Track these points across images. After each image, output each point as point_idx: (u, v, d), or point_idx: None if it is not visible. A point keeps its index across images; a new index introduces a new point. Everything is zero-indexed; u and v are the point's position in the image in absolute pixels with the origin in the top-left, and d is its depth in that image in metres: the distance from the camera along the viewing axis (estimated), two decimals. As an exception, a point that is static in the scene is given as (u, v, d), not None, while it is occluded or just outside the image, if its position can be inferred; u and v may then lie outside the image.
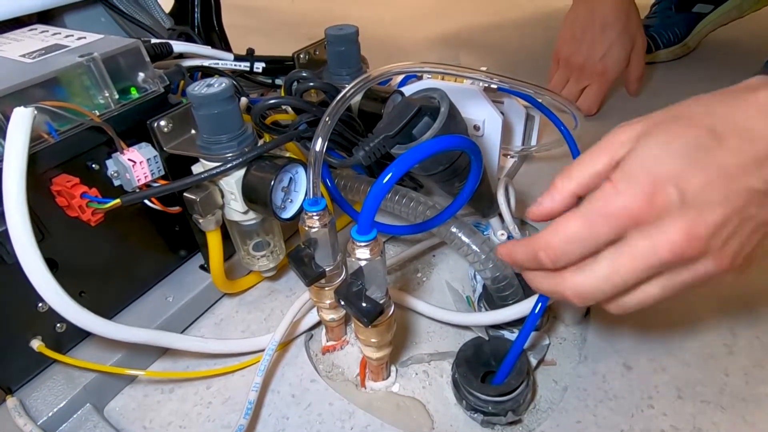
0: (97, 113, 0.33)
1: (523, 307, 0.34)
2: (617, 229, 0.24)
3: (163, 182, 0.35)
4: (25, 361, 0.34)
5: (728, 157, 0.23)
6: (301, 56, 0.46)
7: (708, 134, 0.24)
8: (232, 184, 0.34)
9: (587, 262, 0.25)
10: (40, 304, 0.33)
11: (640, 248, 0.23)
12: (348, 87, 0.31)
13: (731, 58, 0.81)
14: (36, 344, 0.34)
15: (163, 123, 0.34)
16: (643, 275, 0.24)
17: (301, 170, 0.35)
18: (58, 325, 0.35)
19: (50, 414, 0.33)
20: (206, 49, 0.48)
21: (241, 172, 0.34)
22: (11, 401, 0.33)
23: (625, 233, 0.24)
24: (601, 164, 0.26)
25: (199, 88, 0.31)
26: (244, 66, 0.51)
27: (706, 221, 0.23)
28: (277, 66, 0.54)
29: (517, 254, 0.28)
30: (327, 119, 0.30)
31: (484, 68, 0.40)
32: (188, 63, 0.47)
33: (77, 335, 0.37)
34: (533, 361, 0.36)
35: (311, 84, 0.37)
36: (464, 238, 0.36)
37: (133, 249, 0.39)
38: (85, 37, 0.36)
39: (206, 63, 0.48)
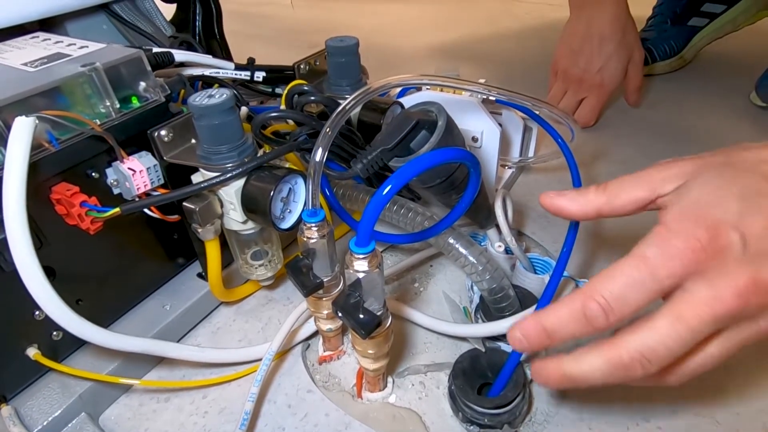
0: (98, 122, 0.33)
1: (520, 319, 0.34)
2: (677, 272, 0.22)
3: (162, 191, 0.35)
4: (21, 369, 0.34)
5: None
6: (302, 66, 0.47)
7: (764, 180, 0.22)
8: (231, 194, 0.34)
9: (643, 321, 0.23)
10: (36, 312, 0.33)
11: (703, 296, 0.21)
12: (348, 99, 0.31)
13: (727, 70, 0.82)
14: (32, 352, 0.34)
15: (163, 132, 0.34)
16: (708, 327, 0.22)
17: (300, 181, 0.36)
18: (55, 333, 0.35)
19: (45, 423, 0.33)
20: (207, 59, 0.49)
21: (241, 182, 0.34)
22: (6, 409, 0.33)
23: (683, 281, 0.22)
24: (640, 193, 0.25)
25: (200, 99, 0.31)
26: (244, 75, 0.52)
27: None
28: (277, 75, 0.54)
29: (550, 318, 0.24)
30: (328, 130, 0.30)
31: (482, 80, 0.40)
32: (189, 72, 0.47)
33: (73, 343, 0.37)
34: (530, 374, 0.36)
35: (312, 98, 0.38)
36: (461, 249, 0.36)
37: (131, 257, 0.39)
38: (87, 46, 0.37)
39: (207, 72, 0.48)
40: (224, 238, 0.38)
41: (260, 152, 0.35)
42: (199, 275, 0.43)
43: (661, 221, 0.24)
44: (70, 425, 0.35)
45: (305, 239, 0.30)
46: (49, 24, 0.48)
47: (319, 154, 0.30)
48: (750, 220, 0.22)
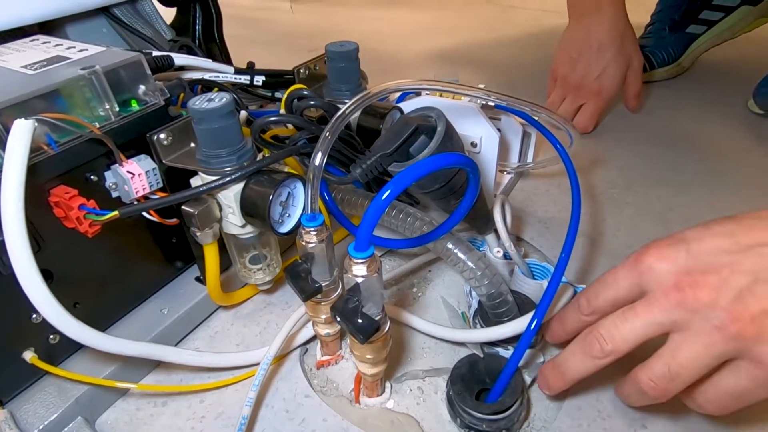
0: (98, 125, 0.33)
1: (518, 325, 0.34)
2: (632, 278, 0.29)
3: (161, 194, 0.35)
4: (17, 372, 0.34)
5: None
6: (301, 71, 0.47)
7: (713, 223, 0.28)
8: (230, 197, 0.34)
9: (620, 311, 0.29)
10: (33, 316, 0.33)
11: (648, 297, 0.28)
12: (348, 104, 0.31)
13: (724, 77, 0.82)
14: (28, 356, 0.34)
15: (162, 136, 0.34)
16: (657, 318, 0.27)
17: (299, 185, 0.36)
18: (51, 336, 0.35)
19: (41, 427, 0.33)
20: (207, 62, 0.49)
21: (240, 186, 0.34)
22: (2, 413, 0.33)
23: (641, 289, 0.29)
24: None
25: (200, 103, 0.31)
26: (244, 79, 0.52)
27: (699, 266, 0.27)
28: (277, 79, 0.54)
29: (565, 313, 0.34)
30: (327, 134, 0.30)
31: (482, 86, 0.40)
32: (189, 75, 0.47)
33: (70, 347, 0.36)
34: (528, 379, 0.36)
35: (312, 103, 0.38)
36: (460, 254, 0.36)
37: (129, 260, 0.39)
38: (87, 49, 0.37)
39: (207, 76, 0.48)
40: (223, 242, 0.38)
41: (259, 156, 0.35)
42: (198, 279, 0.43)
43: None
44: (66, 429, 0.34)
45: (304, 243, 0.30)
46: (48, 27, 0.48)
47: (318, 159, 0.30)
48: (692, 232, 0.28)
